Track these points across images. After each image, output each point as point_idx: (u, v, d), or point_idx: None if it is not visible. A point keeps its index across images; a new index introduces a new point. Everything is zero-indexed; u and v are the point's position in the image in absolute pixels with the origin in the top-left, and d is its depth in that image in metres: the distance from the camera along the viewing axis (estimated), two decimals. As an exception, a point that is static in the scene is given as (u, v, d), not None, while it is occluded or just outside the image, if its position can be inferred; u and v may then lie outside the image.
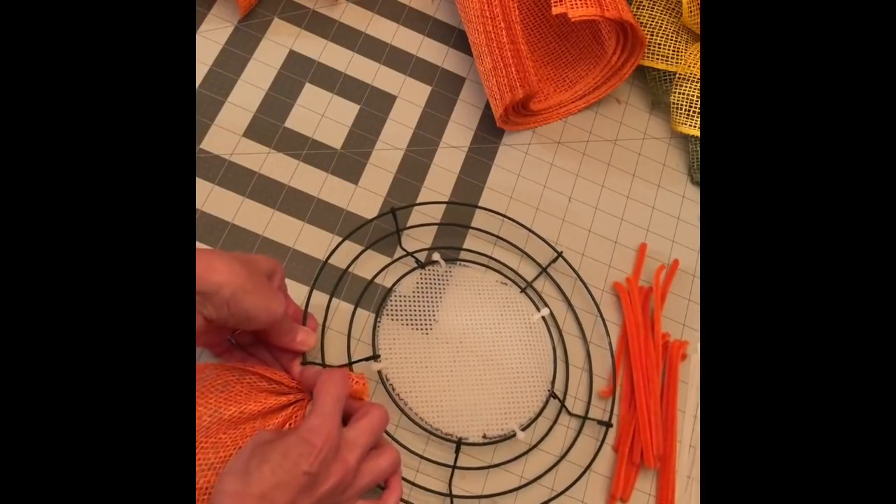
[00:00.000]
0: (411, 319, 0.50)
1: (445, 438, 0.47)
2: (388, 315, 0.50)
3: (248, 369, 0.43)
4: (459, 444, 0.47)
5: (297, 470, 0.35)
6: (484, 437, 0.48)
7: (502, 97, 0.54)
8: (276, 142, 0.53)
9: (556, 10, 0.51)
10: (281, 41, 0.57)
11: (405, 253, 0.51)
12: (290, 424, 0.43)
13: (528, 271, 0.53)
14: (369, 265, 0.51)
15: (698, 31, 0.59)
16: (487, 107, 0.58)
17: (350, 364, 0.47)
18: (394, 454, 0.40)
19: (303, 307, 0.48)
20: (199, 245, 0.49)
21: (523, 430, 0.48)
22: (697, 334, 0.54)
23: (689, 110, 0.58)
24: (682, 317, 0.54)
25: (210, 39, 0.55)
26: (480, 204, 0.54)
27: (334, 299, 0.49)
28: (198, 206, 0.50)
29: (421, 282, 0.51)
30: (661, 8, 0.59)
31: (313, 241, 0.51)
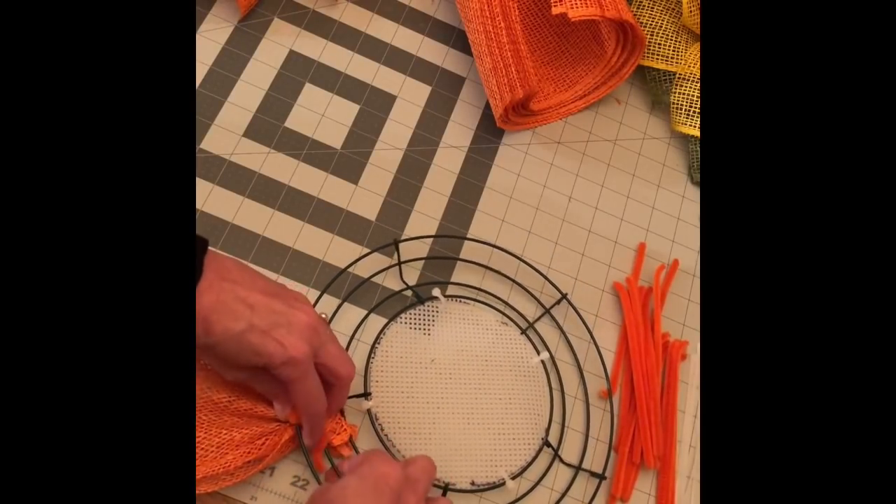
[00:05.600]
0: (406, 358, 0.48)
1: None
2: (382, 352, 0.48)
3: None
4: (446, 489, 0.45)
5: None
6: (472, 483, 0.46)
7: (502, 97, 0.54)
8: (276, 142, 0.53)
9: (556, 10, 0.51)
10: (281, 41, 0.57)
11: (405, 286, 0.50)
12: (266, 439, 0.43)
13: (532, 310, 0.52)
14: (369, 292, 0.51)
15: (698, 31, 0.59)
16: (487, 107, 0.58)
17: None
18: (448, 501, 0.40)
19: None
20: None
21: (513, 478, 0.46)
22: (697, 334, 0.54)
23: (689, 110, 0.58)
24: (682, 317, 0.54)
25: (210, 39, 0.55)
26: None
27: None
28: (198, 206, 0.50)
29: (419, 318, 0.50)
30: (661, 8, 0.59)
31: (313, 242, 0.51)
